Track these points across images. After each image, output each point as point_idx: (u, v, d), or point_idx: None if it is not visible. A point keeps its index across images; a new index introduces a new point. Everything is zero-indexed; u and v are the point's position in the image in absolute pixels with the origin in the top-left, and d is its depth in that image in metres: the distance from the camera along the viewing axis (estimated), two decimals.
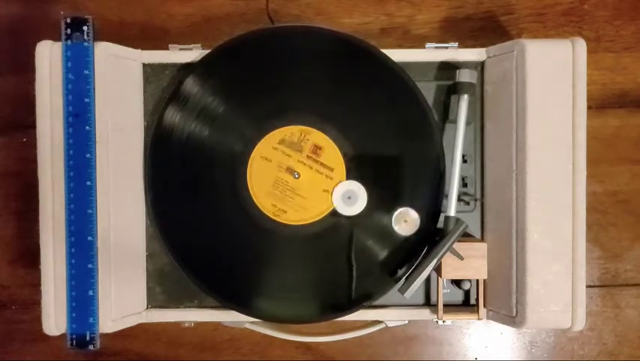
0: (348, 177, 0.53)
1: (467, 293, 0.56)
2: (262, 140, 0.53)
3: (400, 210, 0.52)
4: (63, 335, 0.51)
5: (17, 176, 0.65)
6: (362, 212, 0.53)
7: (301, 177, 0.53)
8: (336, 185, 0.53)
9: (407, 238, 0.53)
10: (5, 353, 0.66)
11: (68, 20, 0.51)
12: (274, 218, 0.53)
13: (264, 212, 0.53)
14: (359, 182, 0.53)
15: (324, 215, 0.53)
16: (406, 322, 0.56)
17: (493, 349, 0.66)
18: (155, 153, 0.54)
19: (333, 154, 0.53)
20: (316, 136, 0.53)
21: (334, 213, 0.53)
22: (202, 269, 0.54)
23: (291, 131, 0.53)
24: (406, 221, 0.52)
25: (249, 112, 0.53)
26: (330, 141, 0.53)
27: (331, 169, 0.53)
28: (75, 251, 0.51)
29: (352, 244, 0.53)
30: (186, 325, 0.56)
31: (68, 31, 0.51)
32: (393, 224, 0.52)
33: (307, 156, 0.53)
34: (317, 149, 0.53)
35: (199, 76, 0.53)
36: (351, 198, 0.52)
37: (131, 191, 0.54)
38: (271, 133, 0.53)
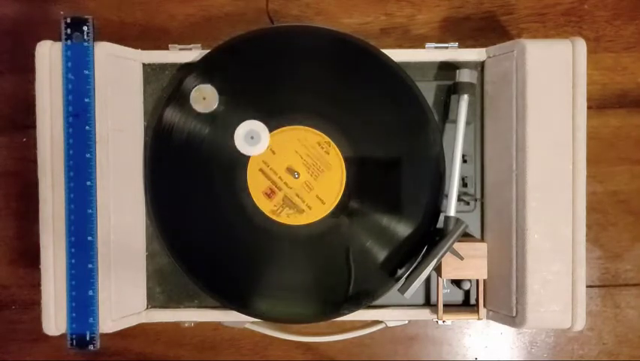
0: (348, 179, 0.53)
1: (467, 293, 0.56)
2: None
3: (195, 87, 0.50)
4: (63, 335, 0.51)
5: (17, 176, 0.65)
6: (301, 178, 0.52)
7: (300, 177, 0.53)
8: (238, 126, 0.52)
9: (406, 238, 0.53)
10: (5, 353, 0.66)
11: (68, 20, 0.51)
12: (274, 218, 0.53)
13: (264, 212, 0.53)
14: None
15: (324, 215, 0.53)
16: (406, 322, 0.56)
17: (493, 349, 0.66)
18: (155, 153, 0.54)
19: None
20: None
21: (334, 213, 0.53)
22: (202, 269, 0.54)
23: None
24: (204, 98, 0.50)
25: (249, 112, 0.53)
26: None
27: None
28: (75, 251, 0.51)
29: (352, 244, 0.53)
30: (186, 325, 0.56)
31: (68, 31, 0.51)
32: (192, 104, 0.50)
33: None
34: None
35: (199, 76, 0.53)
36: (254, 138, 0.52)
37: (131, 191, 0.54)
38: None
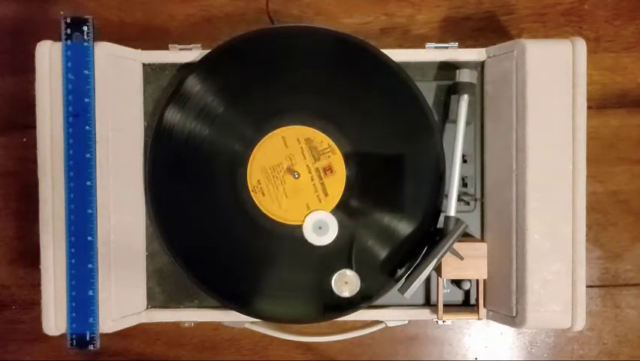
0: (348, 179, 0.53)
1: (467, 293, 0.56)
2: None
3: (336, 274, 0.51)
4: (63, 335, 0.51)
5: (17, 176, 0.65)
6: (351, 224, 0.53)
7: (300, 178, 0.53)
8: (308, 215, 0.53)
9: (406, 238, 0.53)
10: (5, 353, 0.66)
11: (68, 20, 0.51)
12: (274, 218, 0.53)
13: (264, 212, 0.53)
14: (333, 214, 0.53)
15: (332, 207, 0.53)
16: (406, 322, 0.56)
17: (493, 349, 0.66)
18: (155, 153, 0.54)
19: (338, 178, 0.53)
20: (336, 159, 0.53)
21: (334, 212, 0.53)
22: (202, 269, 0.54)
23: (321, 139, 0.53)
24: (346, 283, 0.51)
25: (249, 112, 0.53)
26: (340, 163, 0.53)
27: (327, 194, 0.53)
28: (75, 251, 0.51)
29: (352, 244, 0.53)
30: (186, 325, 0.56)
31: (68, 31, 0.51)
32: (334, 289, 0.51)
33: (317, 168, 0.53)
34: (329, 170, 0.53)
35: (199, 76, 0.53)
36: (322, 228, 0.53)
37: (131, 191, 0.54)
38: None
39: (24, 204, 0.65)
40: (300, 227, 0.53)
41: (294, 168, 0.53)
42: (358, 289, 0.51)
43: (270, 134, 0.53)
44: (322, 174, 0.53)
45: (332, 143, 0.53)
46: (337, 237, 0.53)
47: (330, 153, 0.53)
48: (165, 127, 0.53)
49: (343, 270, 0.51)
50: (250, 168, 0.53)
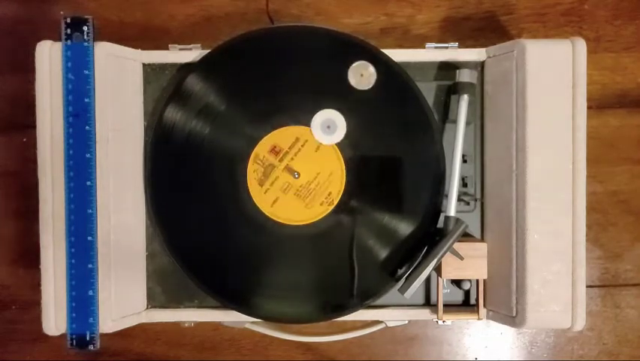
0: (347, 179, 0.53)
1: (467, 293, 0.56)
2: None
3: (358, 62, 0.50)
4: (63, 335, 0.51)
5: (17, 176, 0.65)
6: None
7: (300, 178, 0.53)
8: (316, 114, 0.52)
9: (406, 237, 0.53)
10: (5, 353, 0.66)
11: (68, 20, 0.51)
12: (274, 218, 0.53)
13: (264, 212, 0.53)
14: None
15: (324, 215, 0.53)
16: (406, 322, 0.56)
17: (493, 349, 0.66)
18: (155, 153, 0.54)
19: (332, 155, 0.53)
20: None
21: (335, 211, 0.53)
22: (202, 269, 0.54)
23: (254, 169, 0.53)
24: (362, 75, 0.50)
25: (249, 112, 0.53)
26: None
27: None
28: (75, 251, 0.51)
29: (352, 243, 0.53)
30: (186, 325, 0.56)
31: (68, 31, 0.51)
32: (349, 78, 0.50)
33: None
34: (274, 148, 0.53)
35: (199, 75, 0.53)
36: (330, 127, 0.52)
37: (131, 191, 0.54)
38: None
39: (24, 204, 0.65)
40: (300, 227, 0.53)
41: (294, 168, 0.53)
42: (372, 84, 0.50)
43: (270, 134, 0.53)
44: (322, 175, 0.53)
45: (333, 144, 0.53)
46: (337, 237, 0.53)
47: (331, 154, 0.53)
48: (165, 127, 0.53)
49: (365, 62, 0.50)
50: (250, 168, 0.53)
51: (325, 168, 0.53)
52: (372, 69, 0.50)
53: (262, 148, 0.53)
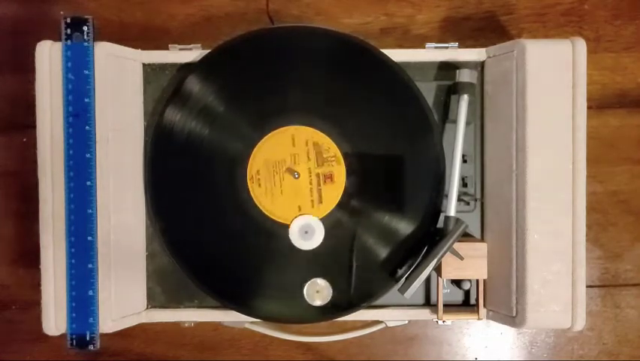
0: (348, 179, 0.53)
1: (467, 293, 0.56)
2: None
3: (307, 283, 0.52)
4: (63, 335, 0.51)
5: (17, 176, 0.65)
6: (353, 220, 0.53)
7: (300, 178, 0.53)
8: (294, 219, 0.53)
9: (406, 237, 0.53)
10: (5, 353, 0.66)
11: (68, 20, 0.51)
12: (274, 218, 0.53)
13: (264, 212, 0.53)
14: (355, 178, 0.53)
15: (324, 215, 0.53)
16: (406, 322, 0.56)
17: (493, 349, 0.66)
18: (155, 153, 0.54)
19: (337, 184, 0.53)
20: (337, 159, 0.53)
21: (335, 211, 0.53)
22: (202, 269, 0.54)
23: (328, 146, 0.53)
24: (318, 292, 0.52)
25: (249, 112, 0.53)
26: (340, 164, 0.53)
27: (321, 202, 0.53)
28: (75, 251, 0.51)
29: (352, 244, 0.53)
30: (186, 325, 0.56)
31: (68, 31, 0.51)
32: (306, 298, 0.53)
33: (317, 173, 0.53)
34: (328, 178, 0.53)
35: (199, 76, 0.53)
36: (308, 232, 0.53)
37: (131, 191, 0.54)
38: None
39: (24, 204, 0.65)
40: None
41: (294, 168, 0.53)
42: (330, 297, 0.52)
43: (269, 134, 0.53)
44: (322, 180, 0.53)
45: (333, 144, 0.53)
46: (337, 237, 0.53)
47: (333, 156, 0.53)
48: (165, 127, 0.53)
49: (314, 279, 0.52)
50: (250, 168, 0.53)
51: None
52: (321, 282, 0.52)
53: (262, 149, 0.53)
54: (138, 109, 0.55)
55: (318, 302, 0.52)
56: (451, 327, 0.66)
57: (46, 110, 0.51)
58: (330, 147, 0.53)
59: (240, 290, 0.54)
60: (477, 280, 0.53)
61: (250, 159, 0.53)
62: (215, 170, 0.53)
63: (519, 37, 0.58)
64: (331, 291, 0.52)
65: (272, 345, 0.66)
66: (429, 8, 0.65)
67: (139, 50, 0.55)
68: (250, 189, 0.53)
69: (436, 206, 0.53)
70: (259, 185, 0.53)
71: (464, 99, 0.52)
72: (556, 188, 0.50)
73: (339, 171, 0.53)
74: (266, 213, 0.53)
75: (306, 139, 0.53)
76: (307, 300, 0.52)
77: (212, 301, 0.55)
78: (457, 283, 0.55)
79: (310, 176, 0.53)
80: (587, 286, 0.57)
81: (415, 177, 0.53)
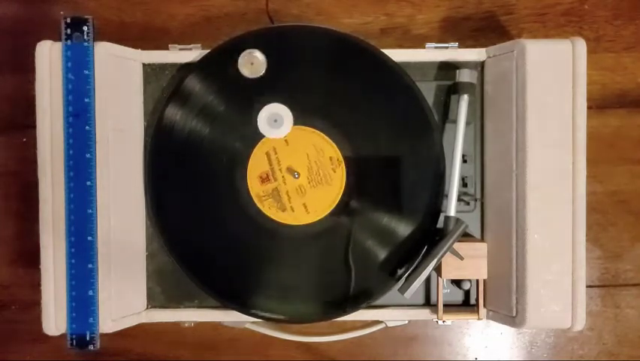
0: (347, 179, 0.53)
1: (467, 293, 0.56)
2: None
3: (245, 52, 0.50)
4: (63, 335, 0.51)
5: (17, 176, 0.65)
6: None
7: (301, 177, 0.53)
8: (262, 108, 0.52)
9: (406, 238, 0.53)
10: (5, 353, 0.66)
11: (68, 20, 0.51)
12: (275, 218, 0.53)
13: (264, 212, 0.53)
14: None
15: (324, 215, 0.53)
16: (406, 322, 0.56)
17: (493, 349, 0.66)
18: (155, 153, 0.54)
19: (331, 154, 0.53)
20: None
21: (335, 211, 0.53)
22: (202, 269, 0.54)
23: (323, 141, 0.53)
24: (252, 64, 0.50)
25: (249, 112, 0.53)
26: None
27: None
28: (75, 251, 0.51)
29: (352, 244, 0.53)
30: (186, 325, 0.56)
31: (68, 31, 0.51)
32: (240, 69, 0.50)
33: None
34: (328, 174, 0.53)
35: (199, 76, 0.53)
36: (277, 120, 0.52)
37: (131, 191, 0.54)
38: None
39: (24, 204, 0.65)
40: (301, 227, 0.53)
41: (294, 168, 0.53)
42: (262, 72, 0.50)
43: (258, 151, 0.53)
44: (322, 177, 0.53)
45: (333, 144, 0.53)
46: (337, 237, 0.53)
47: (332, 155, 0.53)
48: (165, 127, 0.53)
49: (253, 50, 0.50)
50: (250, 167, 0.53)
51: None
52: (259, 55, 0.50)
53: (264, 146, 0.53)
54: (138, 109, 0.55)
55: (246, 72, 0.50)
56: (451, 327, 0.66)
57: (46, 110, 0.51)
58: (330, 147, 0.53)
59: (240, 290, 0.54)
60: (477, 280, 0.53)
61: (250, 159, 0.53)
62: (215, 170, 0.53)
63: (519, 37, 0.58)
64: (265, 67, 0.50)
65: (272, 345, 0.66)
66: (429, 8, 0.65)
67: (139, 50, 0.55)
68: (250, 190, 0.53)
69: (436, 206, 0.53)
70: (260, 187, 0.53)
71: (464, 99, 0.52)
72: (556, 188, 0.50)
73: (339, 171, 0.53)
74: (266, 212, 0.53)
75: (297, 137, 0.53)
76: (240, 69, 0.50)
77: (212, 301, 0.55)
78: (457, 283, 0.55)
79: (310, 174, 0.53)
80: (587, 286, 0.57)
81: (415, 177, 0.53)
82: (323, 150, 0.53)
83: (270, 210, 0.53)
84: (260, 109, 0.52)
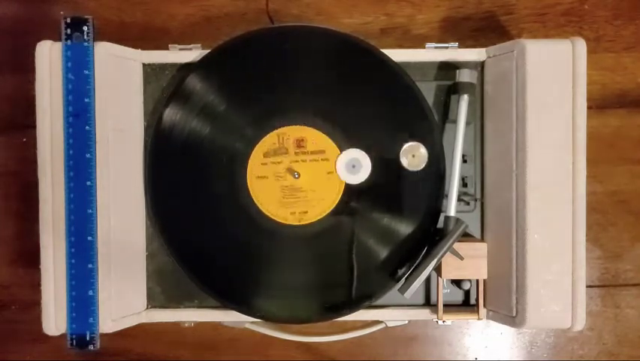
0: (347, 183, 0.53)
1: (467, 293, 0.56)
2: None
3: (409, 143, 0.51)
4: (63, 335, 0.52)
5: (17, 176, 0.65)
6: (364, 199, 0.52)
7: (302, 176, 0.53)
8: (338, 156, 0.52)
9: (406, 238, 0.53)
10: (5, 353, 0.66)
11: (68, 20, 0.51)
12: (274, 218, 0.53)
13: (264, 212, 0.53)
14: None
15: (324, 215, 0.53)
16: (406, 322, 0.56)
17: (493, 349, 0.66)
18: (155, 153, 0.54)
19: (322, 142, 0.53)
20: (294, 130, 0.53)
21: (335, 211, 0.53)
22: (202, 269, 0.54)
23: (271, 140, 0.53)
24: (413, 156, 0.51)
25: (249, 112, 0.53)
26: (322, 133, 0.53)
27: (323, 151, 0.53)
28: (75, 251, 0.51)
29: (352, 244, 0.53)
30: (186, 325, 0.56)
31: (68, 31, 0.51)
32: (400, 158, 0.51)
33: (295, 152, 0.53)
34: (300, 141, 0.53)
35: (199, 75, 0.53)
36: (355, 166, 0.52)
37: (131, 191, 0.54)
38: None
39: (24, 204, 0.65)
40: (301, 227, 0.53)
41: (294, 168, 0.53)
42: (422, 167, 0.51)
43: (270, 133, 0.53)
44: (302, 150, 0.53)
45: (333, 144, 0.53)
46: (337, 237, 0.53)
47: (332, 155, 0.53)
48: (165, 127, 0.53)
49: (417, 143, 0.51)
50: (250, 167, 0.53)
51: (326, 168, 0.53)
52: (423, 150, 0.51)
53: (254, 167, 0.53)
54: (138, 109, 0.55)
55: (404, 161, 0.51)
56: (451, 327, 0.66)
57: (46, 110, 0.51)
58: (330, 147, 0.53)
59: (240, 290, 0.54)
60: (477, 280, 0.53)
61: (250, 159, 0.53)
62: (215, 170, 0.53)
63: (519, 37, 0.58)
64: (426, 160, 0.51)
65: (272, 345, 0.66)
66: (429, 8, 0.65)
67: (139, 50, 0.55)
68: (250, 190, 0.53)
69: (436, 206, 0.53)
70: (260, 187, 0.53)
71: (464, 99, 0.52)
72: (556, 188, 0.50)
73: (318, 136, 0.53)
74: (266, 212, 0.53)
75: (298, 137, 0.53)
76: (402, 161, 0.51)
77: (212, 301, 0.55)
78: (457, 283, 0.55)
79: (310, 174, 0.53)
80: (587, 286, 0.57)
81: (414, 177, 0.53)
82: (323, 150, 0.53)
83: (270, 210, 0.53)
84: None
